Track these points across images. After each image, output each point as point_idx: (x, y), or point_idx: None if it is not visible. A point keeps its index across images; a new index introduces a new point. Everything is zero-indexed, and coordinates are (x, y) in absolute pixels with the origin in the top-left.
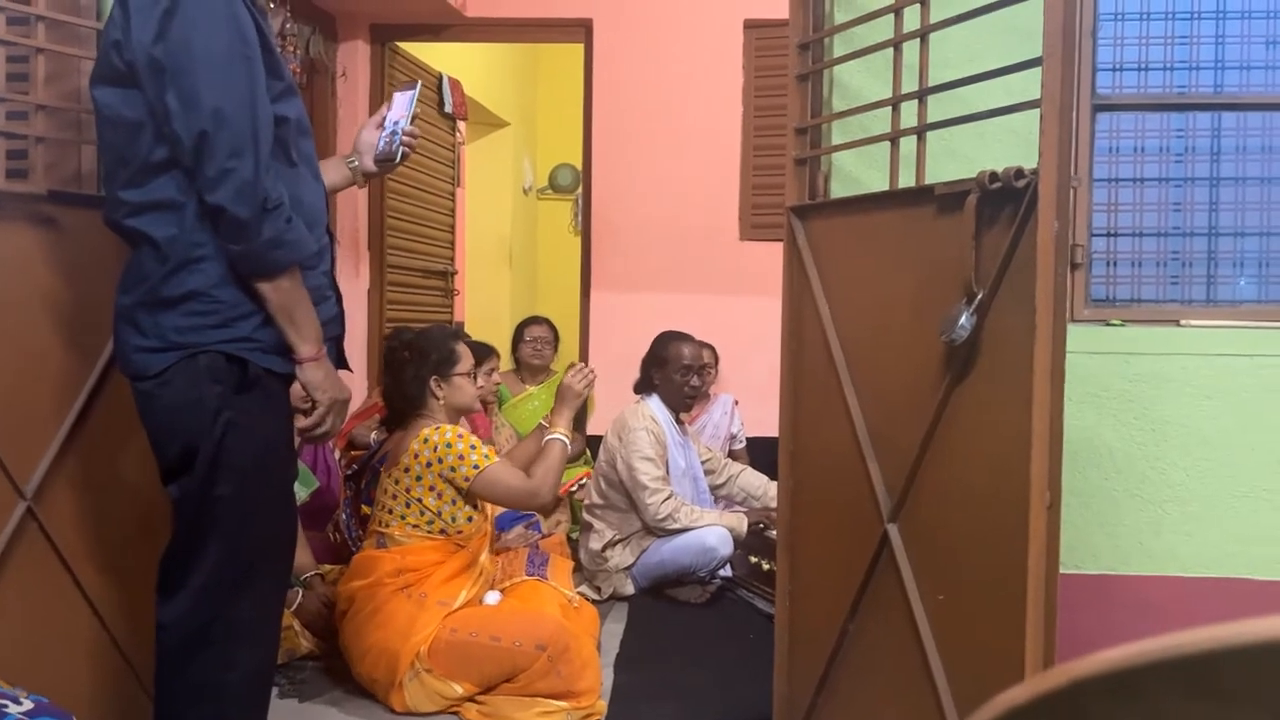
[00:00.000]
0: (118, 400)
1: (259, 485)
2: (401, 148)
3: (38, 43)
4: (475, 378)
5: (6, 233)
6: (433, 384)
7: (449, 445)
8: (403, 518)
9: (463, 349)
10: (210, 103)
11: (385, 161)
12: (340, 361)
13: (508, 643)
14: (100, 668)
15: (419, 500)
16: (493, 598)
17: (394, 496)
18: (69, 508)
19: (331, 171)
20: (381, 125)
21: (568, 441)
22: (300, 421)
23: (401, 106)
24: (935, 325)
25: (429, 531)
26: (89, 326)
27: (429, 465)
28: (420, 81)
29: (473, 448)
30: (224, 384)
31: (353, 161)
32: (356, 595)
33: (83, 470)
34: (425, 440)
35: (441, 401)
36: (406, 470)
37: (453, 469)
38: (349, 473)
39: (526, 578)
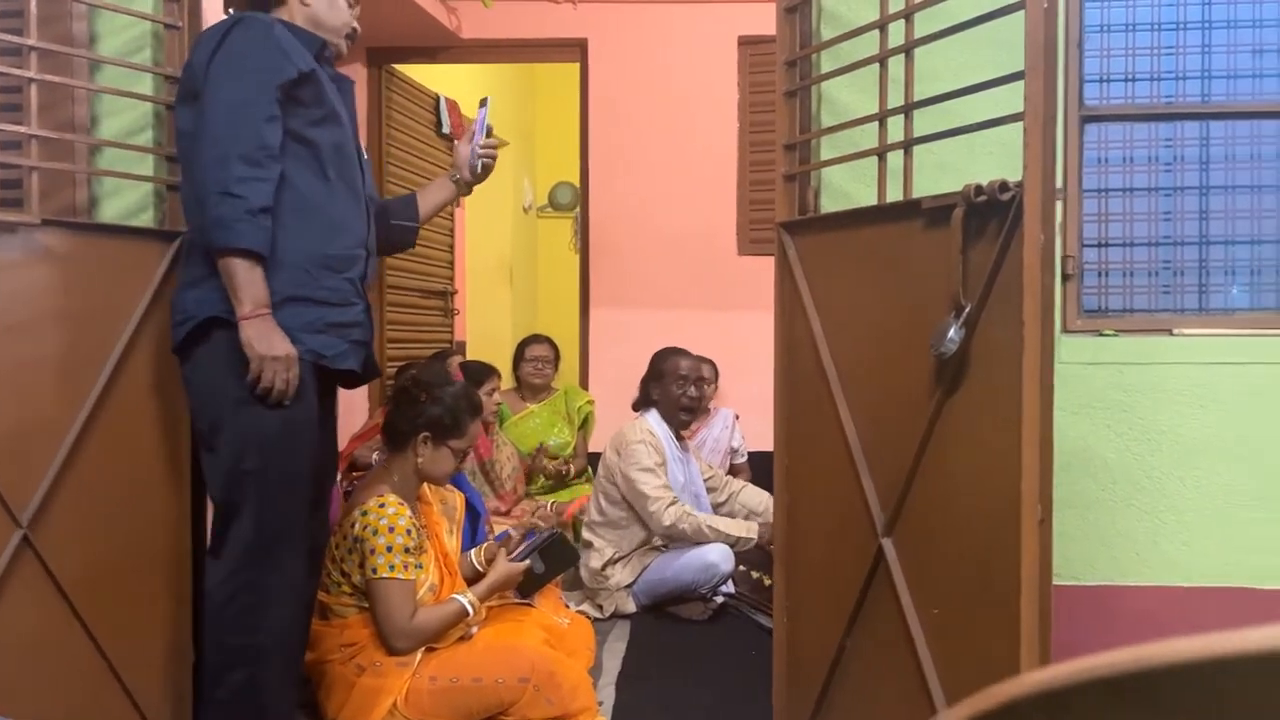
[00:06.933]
0: (114, 426)
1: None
2: (481, 159)
3: (30, 73)
4: (462, 459)
5: (2, 262)
6: (421, 439)
7: (374, 533)
8: (339, 585)
9: (472, 429)
10: (209, 104)
11: (475, 173)
12: (370, 368)
13: (489, 681)
14: (97, 695)
15: (347, 576)
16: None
17: (332, 560)
18: (66, 535)
19: (439, 189)
20: (471, 140)
21: (471, 611)
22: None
23: (478, 122)
24: (925, 339)
25: (363, 605)
26: (84, 353)
27: (356, 541)
28: (489, 97)
29: (389, 549)
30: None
31: (454, 175)
32: (309, 670)
33: (80, 497)
34: (364, 513)
35: (419, 460)
36: (344, 536)
37: (364, 557)
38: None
39: (512, 601)
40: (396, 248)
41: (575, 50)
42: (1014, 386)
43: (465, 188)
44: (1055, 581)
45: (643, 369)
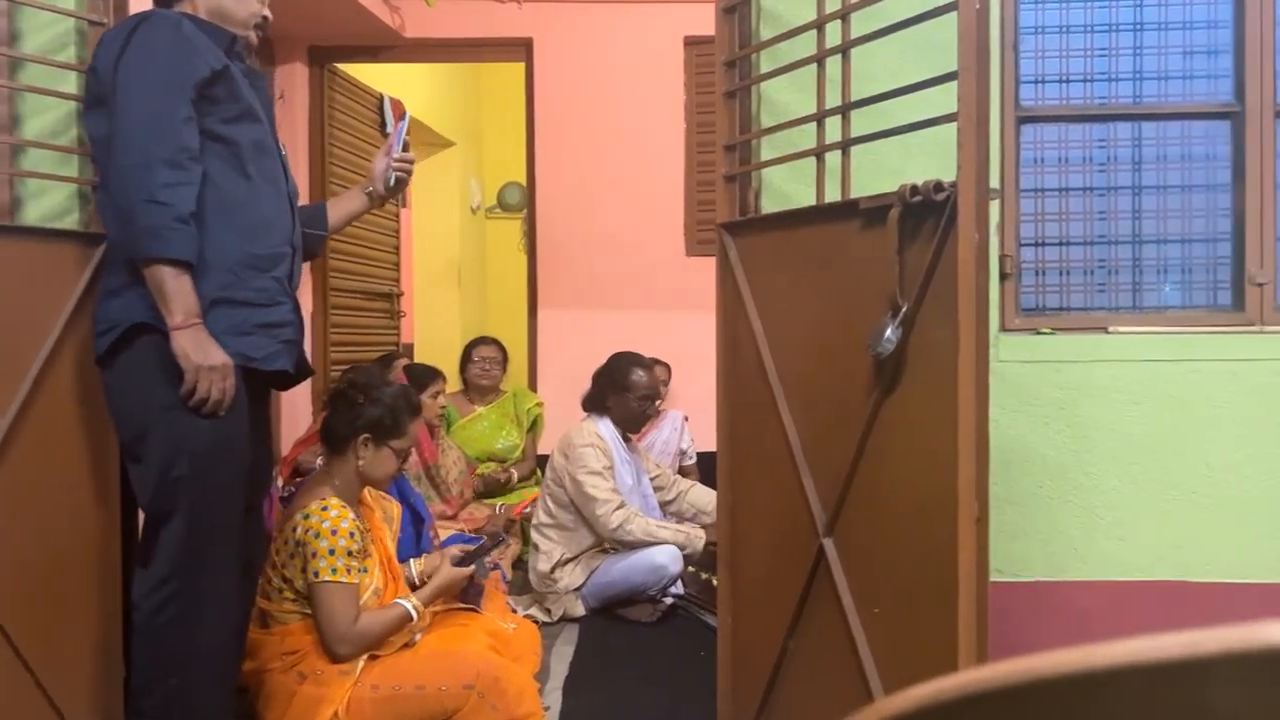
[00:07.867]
0: (38, 437)
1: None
2: (395, 173)
3: None
4: (404, 459)
5: None
6: (360, 441)
7: (317, 536)
8: (280, 591)
9: (413, 428)
10: (123, 109)
11: (389, 187)
12: (302, 367)
13: (433, 689)
14: (23, 713)
15: (289, 581)
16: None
17: (273, 566)
18: None
19: (351, 199)
20: (388, 153)
21: (415, 615)
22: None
23: (395, 135)
24: (864, 339)
25: (305, 611)
26: (6, 361)
27: (298, 545)
28: (408, 112)
29: (331, 552)
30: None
31: (368, 188)
32: (248, 679)
33: (1, 510)
34: (306, 517)
35: (360, 462)
36: (285, 542)
37: (306, 561)
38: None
39: (457, 606)
40: (304, 256)
41: (520, 50)
42: (950, 386)
43: (378, 200)
44: (994, 578)
45: (591, 370)
